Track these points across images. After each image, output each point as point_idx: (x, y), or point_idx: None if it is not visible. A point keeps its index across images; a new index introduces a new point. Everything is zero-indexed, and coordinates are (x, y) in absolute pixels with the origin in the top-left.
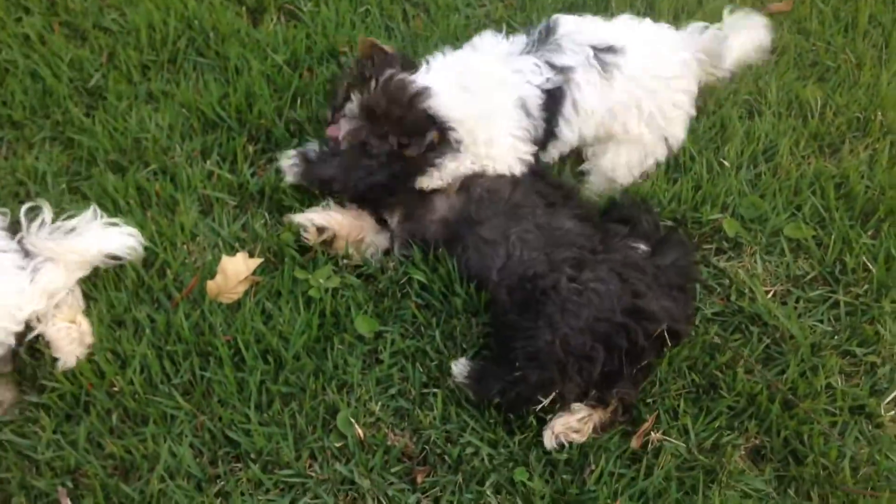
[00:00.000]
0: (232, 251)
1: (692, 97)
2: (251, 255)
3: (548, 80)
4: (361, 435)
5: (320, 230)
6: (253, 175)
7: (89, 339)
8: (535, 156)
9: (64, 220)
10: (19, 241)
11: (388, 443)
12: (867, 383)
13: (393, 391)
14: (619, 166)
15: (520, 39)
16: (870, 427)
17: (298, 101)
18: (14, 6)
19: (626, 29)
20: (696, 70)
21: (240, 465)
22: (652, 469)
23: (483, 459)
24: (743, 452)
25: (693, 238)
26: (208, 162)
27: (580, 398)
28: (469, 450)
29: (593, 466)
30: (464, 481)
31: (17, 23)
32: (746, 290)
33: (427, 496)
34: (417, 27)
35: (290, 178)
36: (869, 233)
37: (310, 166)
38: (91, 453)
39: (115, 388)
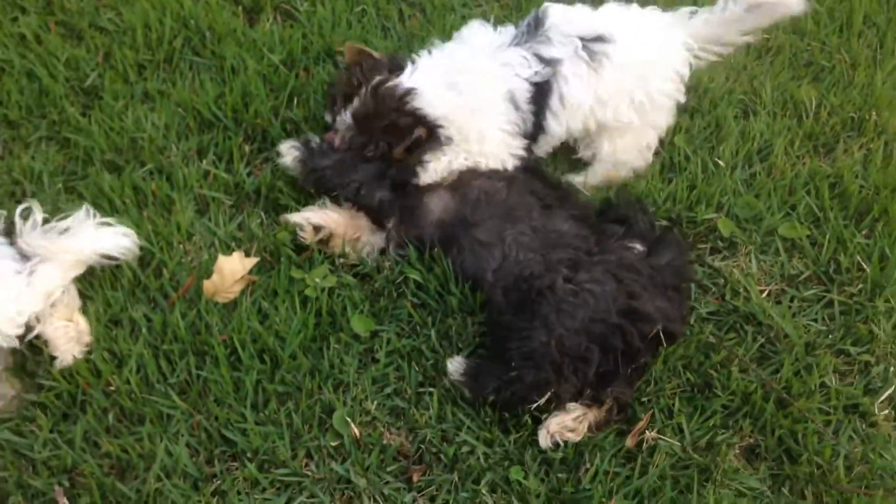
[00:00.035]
0: (228, 250)
1: (681, 84)
2: (247, 255)
3: (536, 72)
4: (357, 434)
5: (317, 229)
6: (249, 174)
7: (87, 338)
8: (528, 150)
9: (58, 220)
10: (14, 244)
11: (384, 442)
12: (861, 382)
13: (389, 390)
14: (620, 152)
15: (508, 31)
16: (864, 426)
17: (295, 101)
18: (10, 5)
19: (614, 16)
20: (685, 56)
21: (236, 464)
22: (647, 468)
23: (479, 458)
24: (737, 451)
25: (688, 237)
26: (204, 161)
27: (575, 397)
28: (465, 449)
29: (588, 465)
30: (459, 480)
31: (13, 22)
32: (741, 290)
33: (423, 495)
34: (414, 27)
35: (287, 160)
36: (863, 232)
37: (309, 154)
38: (88, 452)
39: (112, 388)
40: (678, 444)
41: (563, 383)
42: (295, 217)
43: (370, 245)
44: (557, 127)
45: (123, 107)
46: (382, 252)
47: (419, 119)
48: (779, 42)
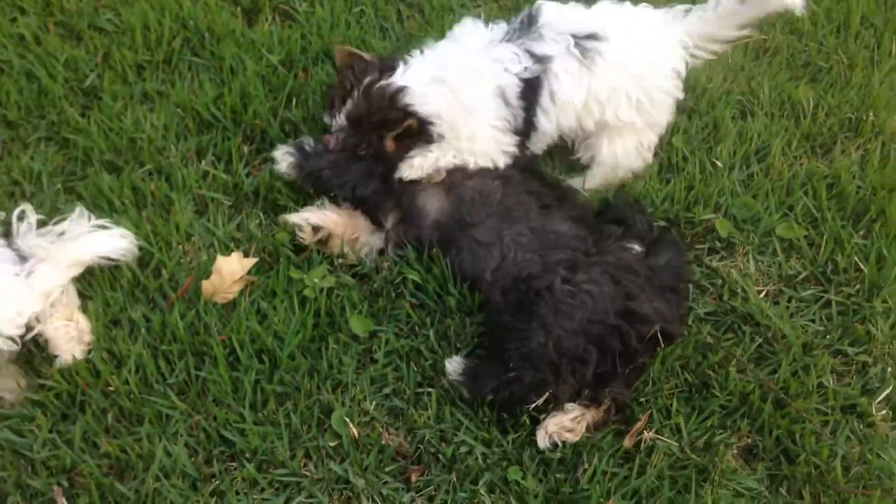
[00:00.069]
0: (227, 251)
1: (678, 81)
2: (246, 255)
3: (526, 68)
4: (356, 434)
5: (316, 229)
6: (248, 175)
7: (88, 337)
8: (522, 148)
9: (55, 223)
10: (11, 246)
11: (383, 442)
12: (859, 382)
13: (387, 390)
14: (619, 155)
15: (500, 27)
16: (861, 426)
17: (293, 102)
18: (9, 6)
19: (608, 15)
20: (681, 53)
21: (235, 464)
22: (645, 468)
23: (477, 458)
24: (735, 451)
25: (686, 238)
26: (203, 162)
27: (573, 398)
28: (463, 449)
29: (586, 465)
30: (458, 480)
31: (12, 23)
32: (739, 290)
33: (421, 495)
34: (412, 28)
35: (283, 166)
36: (860, 233)
37: (304, 157)
38: (86, 452)
39: (111, 388)
40: (676, 444)
41: (561, 384)
42: (293, 217)
43: (369, 245)
44: (548, 124)
45: (122, 107)
46: (381, 252)
47: (410, 114)
48: (776, 43)
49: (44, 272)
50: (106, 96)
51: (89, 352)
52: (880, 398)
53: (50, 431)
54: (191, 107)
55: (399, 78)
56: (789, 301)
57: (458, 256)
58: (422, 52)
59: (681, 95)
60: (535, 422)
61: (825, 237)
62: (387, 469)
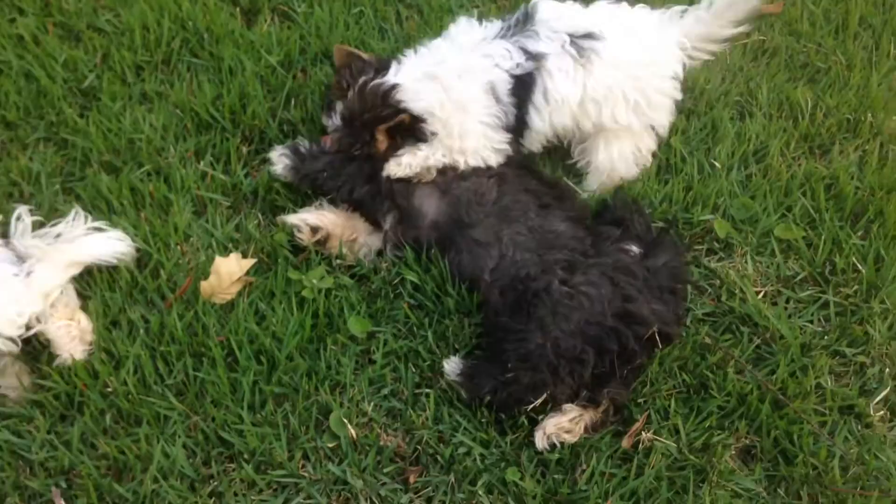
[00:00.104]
0: (225, 252)
1: (677, 82)
2: (245, 256)
3: (518, 65)
4: (354, 435)
5: (314, 230)
6: (246, 176)
7: (90, 337)
8: (516, 146)
9: (52, 225)
10: (9, 247)
11: (381, 443)
12: (856, 383)
13: (385, 391)
14: (616, 160)
15: (495, 25)
16: (859, 427)
17: (292, 102)
18: (8, 7)
19: (605, 14)
20: (679, 54)
21: (233, 465)
22: (643, 469)
23: (475, 459)
24: (733, 452)
25: (684, 239)
26: (202, 163)
27: (571, 398)
28: (461, 450)
29: (584, 466)
30: (456, 481)
31: (10, 23)
32: (737, 291)
33: (419, 496)
34: (411, 28)
35: (279, 168)
36: (859, 233)
37: (299, 159)
38: (85, 453)
39: (109, 389)
40: (674, 445)
41: (559, 384)
42: (292, 218)
43: (367, 246)
44: (541, 122)
45: (121, 108)
46: (379, 253)
47: (402, 110)
48: (775, 44)
49: (42, 272)
50: (105, 97)
51: (91, 352)
52: (878, 399)
53: (48, 432)
54: (189, 107)
55: (392, 76)
56: (787, 302)
57: (457, 256)
58: (415, 50)
59: (679, 96)
60: (534, 423)
61: (823, 238)
62: (385, 470)
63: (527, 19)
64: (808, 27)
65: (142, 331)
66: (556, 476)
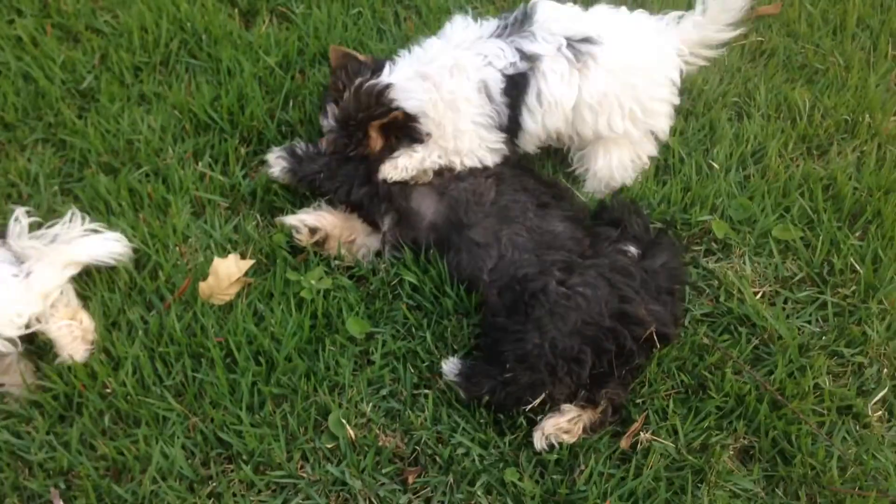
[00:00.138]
0: (224, 253)
1: (674, 88)
2: (243, 257)
3: (511, 64)
4: (353, 436)
5: (313, 231)
6: (245, 177)
7: (92, 336)
8: (512, 146)
9: (48, 227)
10: (7, 248)
11: (380, 443)
12: (854, 384)
13: (384, 392)
14: (614, 168)
15: (491, 23)
16: (857, 427)
17: (290, 103)
18: (6, 8)
19: (605, 19)
20: (677, 61)
21: (232, 466)
22: (641, 469)
23: (474, 460)
24: (731, 452)
25: (682, 239)
26: (200, 164)
27: (570, 399)
28: (460, 450)
29: (583, 466)
30: (454, 482)
31: (9, 24)
32: (735, 292)
33: (418, 496)
34: (409, 29)
35: (276, 171)
36: (856, 234)
37: (296, 161)
38: (84, 454)
39: (108, 390)
40: (672, 445)
41: (557, 384)
42: (291, 219)
43: (366, 247)
44: (534, 125)
45: (119, 109)
46: (378, 254)
47: (395, 109)
48: (773, 45)
49: (41, 273)
50: (103, 98)
51: (93, 351)
52: (876, 399)
53: (47, 433)
54: (188, 108)
55: (386, 76)
56: (785, 302)
57: (456, 257)
58: (410, 50)
59: (677, 101)
60: (532, 423)
61: (821, 239)
62: (384, 471)
63: (525, 19)
64: (806, 28)
65: (140, 332)
66: (554, 476)
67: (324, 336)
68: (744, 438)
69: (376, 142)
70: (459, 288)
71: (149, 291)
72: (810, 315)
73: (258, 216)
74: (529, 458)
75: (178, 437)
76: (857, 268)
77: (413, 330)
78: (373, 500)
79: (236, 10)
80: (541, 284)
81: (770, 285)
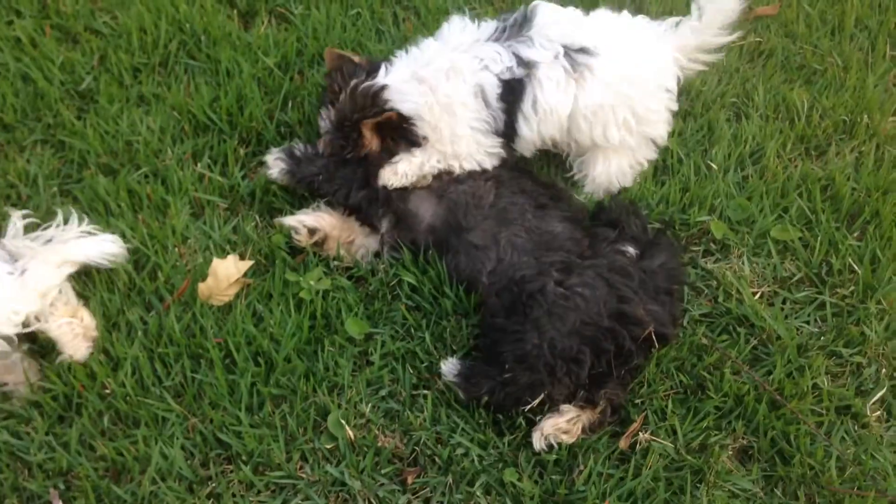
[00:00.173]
0: (223, 253)
1: (672, 95)
2: (242, 258)
3: (508, 69)
4: (352, 436)
5: (312, 232)
6: (244, 178)
7: (93, 333)
8: (509, 150)
9: (43, 229)
10: (2, 247)
11: (379, 444)
12: (853, 384)
13: (383, 393)
14: (613, 174)
15: (489, 25)
16: (856, 427)
17: (289, 104)
18: (5, 9)
19: (603, 27)
20: (674, 69)
21: (231, 466)
22: (640, 469)
23: (473, 460)
24: (730, 453)
25: (681, 240)
26: (199, 165)
27: (569, 399)
28: (459, 451)
29: (582, 467)
30: (454, 482)
31: (8, 26)
32: (734, 292)
33: (417, 497)
34: (408, 30)
35: (274, 172)
36: (855, 234)
37: (294, 163)
38: (83, 455)
39: (107, 390)
40: (671, 445)
41: (556, 384)
42: (290, 220)
43: (364, 248)
44: (529, 132)
45: (118, 110)
46: (377, 255)
47: (389, 109)
48: (771, 45)
49: (37, 271)
50: (102, 99)
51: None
52: (874, 399)
53: (46, 434)
54: (187, 109)
55: (381, 78)
56: (784, 303)
57: (455, 259)
58: (407, 51)
59: (675, 107)
60: (531, 423)
61: (819, 239)
62: (383, 471)
63: (524, 22)
64: (804, 29)
65: (140, 332)
66: (553, 477)
67: (323, 337)
68: (742, 438)
69: (371, 142)
70: (458, 288)
71: (148, 292)
72: (809, 315)
73: (257, 217)
74: (528, 459)
75: (177, 438)
76: (856, 268)
77: (412, 330)
78: (372, 500)
79: (235, 11)
80: (539, 285)
81: (768, 285)
